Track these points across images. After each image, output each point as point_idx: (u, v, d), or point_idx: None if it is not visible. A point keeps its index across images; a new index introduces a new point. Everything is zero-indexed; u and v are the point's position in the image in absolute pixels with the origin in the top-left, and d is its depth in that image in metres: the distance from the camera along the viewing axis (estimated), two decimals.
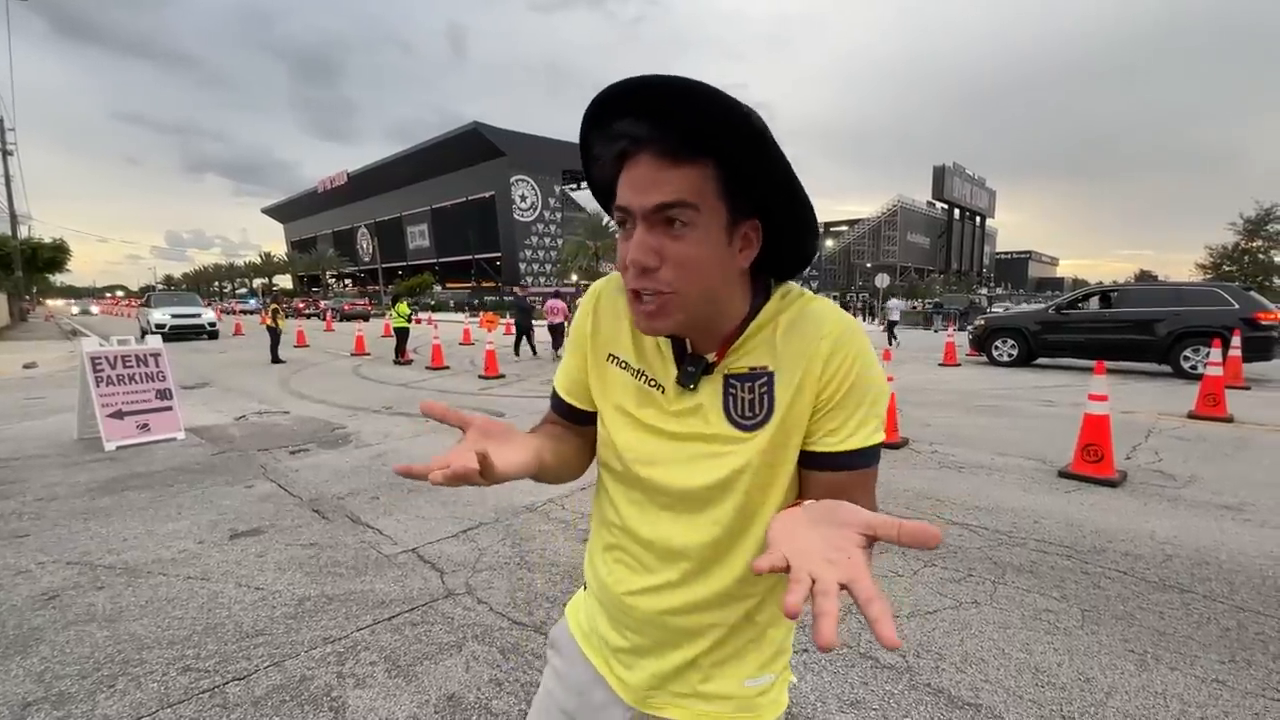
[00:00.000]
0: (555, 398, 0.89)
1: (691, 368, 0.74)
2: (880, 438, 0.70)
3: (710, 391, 0.74)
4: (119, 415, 5.62)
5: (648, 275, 0.66)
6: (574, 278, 49.43)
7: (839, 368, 0.69)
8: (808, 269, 0.79)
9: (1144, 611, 2.64)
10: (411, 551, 3.28)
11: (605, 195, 0.71)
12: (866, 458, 0.69)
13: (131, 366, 5.82)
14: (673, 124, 0.62)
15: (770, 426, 0.71)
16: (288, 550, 3.29)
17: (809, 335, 0.70)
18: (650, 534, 0.79)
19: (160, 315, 18.43)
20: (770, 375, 0.72)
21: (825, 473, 0.70)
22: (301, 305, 46.77)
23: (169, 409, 5.91)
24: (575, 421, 0.87)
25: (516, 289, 16.87)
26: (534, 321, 14.29)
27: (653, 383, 0.77)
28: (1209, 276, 40.72)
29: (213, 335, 19.36)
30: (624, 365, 0.80)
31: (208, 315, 19.58)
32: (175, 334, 18.41)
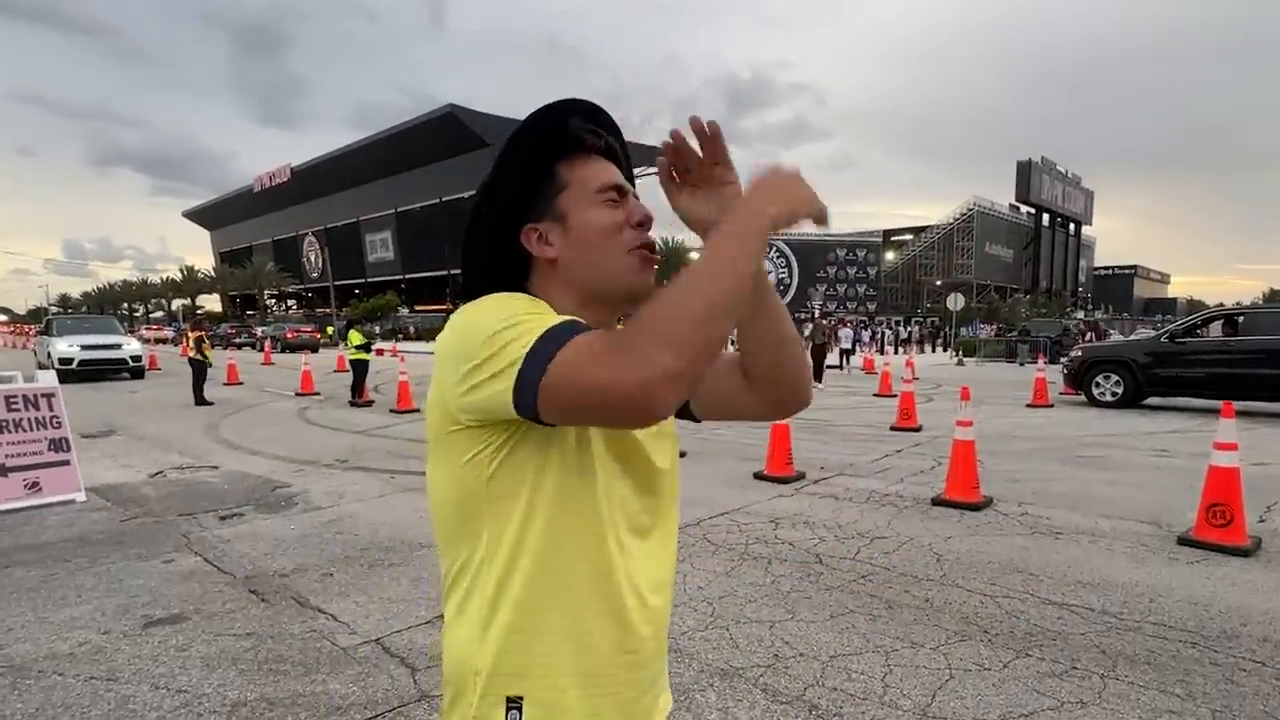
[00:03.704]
0: None
1: None
2: None
3: None
4: (1, 472, 5.66)
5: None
6: None
7: None
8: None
9: None
10: (375, 642, 3.28)
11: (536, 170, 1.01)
12: None
13: (17, 410, 5.82)
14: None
15: None
16: (218, 642, 3.29)
17: None
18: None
19: (67, 347, 17.65)
20: None
21: None
22: (232, 331, 47.12)
23: (65, 463, 5.94)
24: None
25: None
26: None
27: None
28: None
29: (137, 373, 18.79)
30: None
31: (131, 347, 18.87)
32: (86, 371, 17.76)
